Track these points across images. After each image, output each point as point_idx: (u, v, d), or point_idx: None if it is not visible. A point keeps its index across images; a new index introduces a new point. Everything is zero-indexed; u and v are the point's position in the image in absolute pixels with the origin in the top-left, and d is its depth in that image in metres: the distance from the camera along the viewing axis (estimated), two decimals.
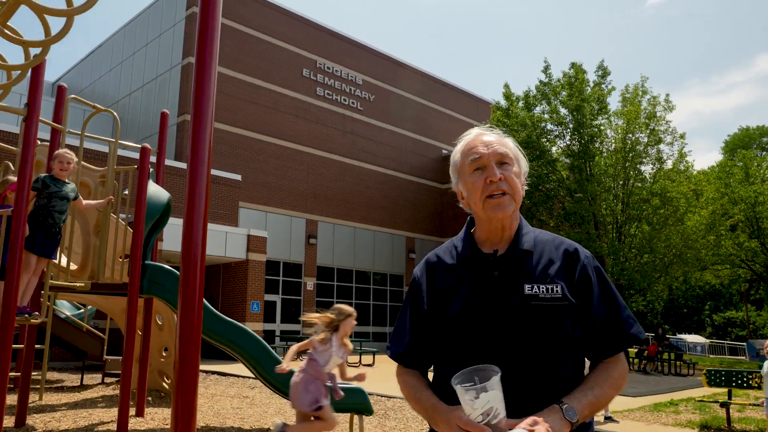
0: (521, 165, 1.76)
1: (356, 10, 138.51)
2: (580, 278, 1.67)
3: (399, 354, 1.79)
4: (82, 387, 10.50)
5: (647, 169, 27.31)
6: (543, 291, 1.61)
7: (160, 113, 7.18)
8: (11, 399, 7.55)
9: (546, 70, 28.48)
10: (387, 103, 32.11)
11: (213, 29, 2.86)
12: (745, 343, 31.48)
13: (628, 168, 26.12)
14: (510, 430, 1.41)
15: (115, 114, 6.40)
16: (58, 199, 5.33)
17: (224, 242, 19.57)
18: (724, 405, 9.19)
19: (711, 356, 34.15)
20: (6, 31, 2.94)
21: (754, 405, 9.78)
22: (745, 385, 9.30)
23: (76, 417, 6.76)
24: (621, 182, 26.48)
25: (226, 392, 10.64)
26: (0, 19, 3.10)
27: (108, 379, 10.90)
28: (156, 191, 6.78)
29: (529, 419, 1.44)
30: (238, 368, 16.08)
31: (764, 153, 53.62)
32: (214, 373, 14.33)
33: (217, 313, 6.49)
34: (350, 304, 24.31)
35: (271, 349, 6.40)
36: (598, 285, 1.69)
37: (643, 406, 10.87)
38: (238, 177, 22.27)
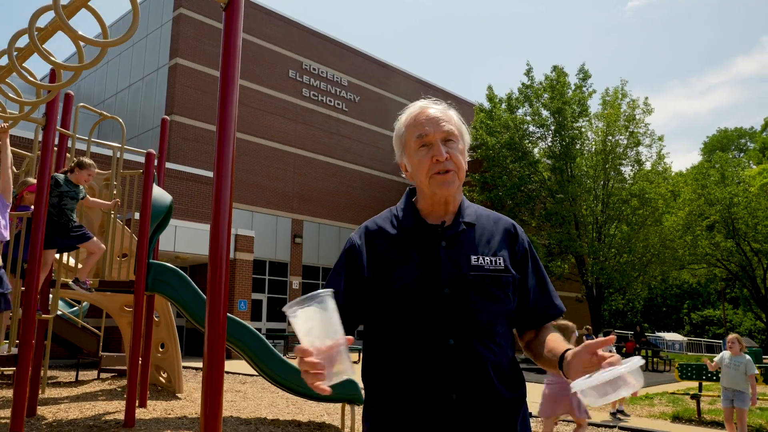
0: (465, 140, 1.77)
1: (343, 13, 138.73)
2: (519, 253, 1.76)
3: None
4: (78, 383, 10.75)
5: (627, 170, 28.00)
6: (488, 262, 1.67)
7: (161, 119, 7.49)
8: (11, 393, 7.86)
9: (528, 72, 29.03)
10: (372, 105, 32.49)
11: (235, 47, 3.21)
12: (721, 341, 32.28)
13: (608, 169, 26.74)
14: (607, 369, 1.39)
15: (121, 121, 6.72)
16: (69, 199, 5.67)
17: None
18: (695, 397, 9.69)
19: (689, 353, 34.91)
20: (43, 51, 3.27)
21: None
22: (714, 378, 9.79)
23: (81, 408, 7.06)
24: (601, 183, 27.10)
25: None
26: (39, 41, 3.44)
27: (103, 375, 11.15)
28: (160, 194, 7.11)
29: (616, 356, 1.42)
30: (228, 365, 16.36)
31: (742, 154, 54.78)
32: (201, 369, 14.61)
33: None
34: None
35: (270, 345, 6.74)
36: (531, 260, 1.78)
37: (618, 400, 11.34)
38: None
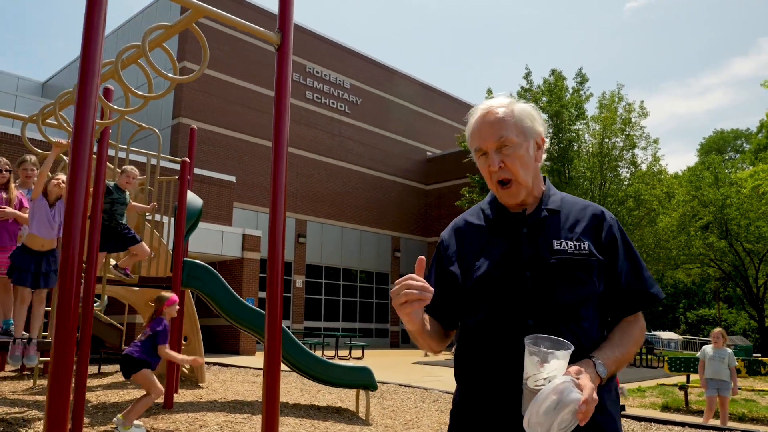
0: (528, 134, 1.74)
1: (346, 17, 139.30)
2: (606, 238, 1.73)
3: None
4: (101, 374, 11.38)
5: (623, 172, 28.66)
6: (571, 246, 1.67)
7: (189, 129, 8.13)
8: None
9: (527, 76, 29.68)
10: (374, 107, 33.13)
11: (286, 82, 3.84)
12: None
13: (605, 171, 27.39)
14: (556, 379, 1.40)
15: (158, 131, 7.34)
16: (120, 205, 6.32)
17: (220, 241, 20.44)
18: (683, 388, 10.36)
19: (684, 352, 35.61)
20: (127, 85, 3.91)
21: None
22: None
23: (118, 394, 7.71)
24: (598, 185, 27.75)
25: (235, 378, 11.58)
26: (116, 73, 4.09)
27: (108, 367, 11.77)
28: (192, 198, 7.76)
29: (575, 368, 1.46)
30: (238, 360, 17.01)
31: (738, 155, 55.45)
32: (215, 364, 15.24)
33: (245, 303, 7.49)
34: (337, 302, 25.75)
35: (292, 335, 7.40)
36: (622, 245, 1.75)
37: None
38: (232, 178, 23.13)
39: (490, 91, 30.37)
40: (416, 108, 35.99)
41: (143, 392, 5.61)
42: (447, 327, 1.84)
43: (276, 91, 3.82)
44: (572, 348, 1.44)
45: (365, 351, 21.67)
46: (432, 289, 1.50)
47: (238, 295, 7.50)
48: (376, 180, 32.86)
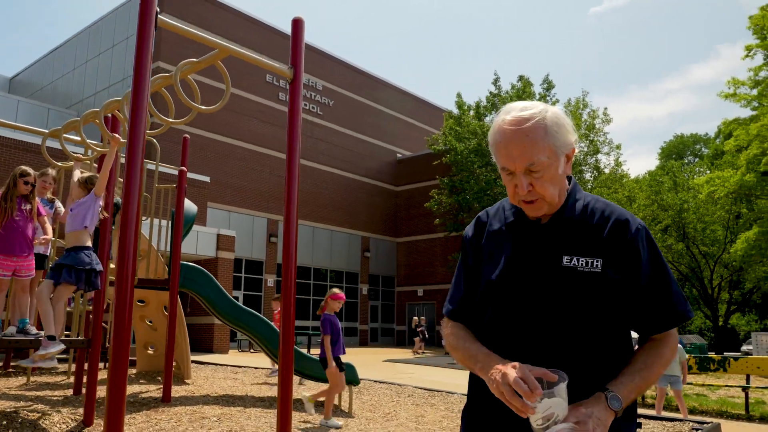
0: (560, 151, 1.60)
1: (319, 20, 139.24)
2: (627, 250, 1.59)
3: (452, 311, 1.77)
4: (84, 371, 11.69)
5: (587, 176, 29.73)
6: (582, 264, 1.57)
7: (182, 138, 8.54)
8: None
9: (496, 82, 30.51)
10: (346, 109, 33.63)
11: (298, 112, 4.37)
12: None
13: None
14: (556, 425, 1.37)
15: (156, 142, 7.74)
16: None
17: (195, 241, 20.72)
18: None
19: None
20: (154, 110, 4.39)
21: None
22: None
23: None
24: None
25: (216, 375, 12.01)
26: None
27: (106, 364, 12.06)
28: (188, 205, 8.20)
29: (575, 412, 1.40)
30: (213, 358, 17.38)
31: (697, 159, 57.36)
32: (192, 362, 15.60)
33: (234, 301, 7.96)
34: (308, 301, 26.31)
35: (278, 331, 7.91)
36: (648, 258, 1.61)
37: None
38: (207, 179, 23.39)
39: (459, 95, 31.12)
40: (387, 110, 36.61)
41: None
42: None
43: (289, 120, 4.35)
44: (566, 380, 1.38)
45: None
46: (536, 398, 1.37)
47: (231, 297, 7.98)
48: (347, 181, 33.37)
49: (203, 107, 4.31)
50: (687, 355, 9.64)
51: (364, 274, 34.16)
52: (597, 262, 1.57)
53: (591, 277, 1.56)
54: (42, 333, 5.84)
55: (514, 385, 1.39)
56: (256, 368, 13.96)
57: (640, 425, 7.95)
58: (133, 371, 10.94)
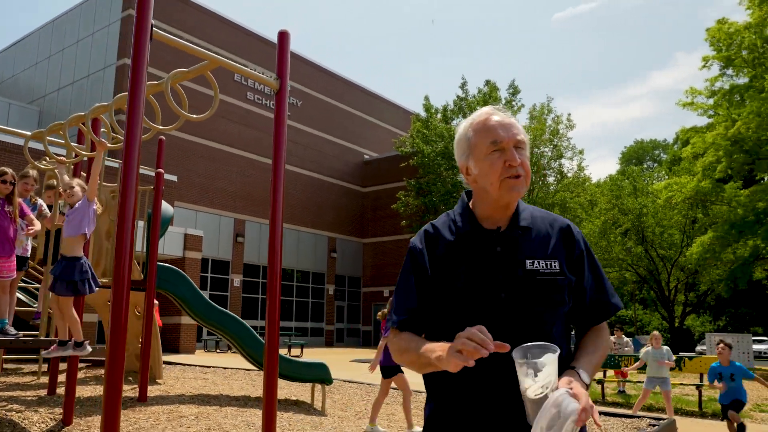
0: (528, 147, 1.78)
1: (287, 19, 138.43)
2: (575, 253, 1.77)
3: (402, 321, 1.77)
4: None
5: (551, 180, 30.41)
6: (543, 266, 1.70)
7: (158, 140, 8.60)
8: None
9: (463, 86, 30.97)
10: (314, 109, 33.71)
11: (283, 123, 4.55)
12: (631, 339, 35.28)
13: (534, 179, 28.98)
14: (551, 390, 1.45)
15: None
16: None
17: (163, 240, 20.57)
18: (600, 382, 11.56)
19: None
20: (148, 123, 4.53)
21: (627, 381, 12.32)
22: (622, 366, 11.67)
23: (86, 389, 8.14)
24: (527, 192, 29.32)
25: (186, 375, 12.05)
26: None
27: (79, 365, 11.98)
28: (165, 207, 8.27)
29: (565, 379, 1.51)
30: (179, 358, 17.34)
31: (656, 165, 58.92)
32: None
33: (209, 301, 8.08)
34: None
35: (254, 332, 8.05)
36: (588, 260, 1.80)
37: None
38: (174, 178, 23.23)
39: (427, 98, 31.47)
40: (355, 112, 36.80)
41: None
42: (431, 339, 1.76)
43: (275, 129, 4.52)
44: (558, 350, 1.47)
45: (304, 349, 22.29)
46: (492, 346, 1.43)
47: (207, 298, 8.08)
48: (314, 181, 33.44)
49: (193, 116, 4.44)
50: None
51: (331, 275, 34.27)
52: (554, 263, 1.71)
53: (552, 278, 1.69)
54: (20, 333, 5.91)
55: (470, 335, 1.43)
56: (225, 368, 14.01)
57: None
58: (103, 371, 10.93)
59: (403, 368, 7.01)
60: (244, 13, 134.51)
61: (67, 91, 28.32)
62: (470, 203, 1.82)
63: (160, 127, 4.94)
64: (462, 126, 1.81)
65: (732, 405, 7.52)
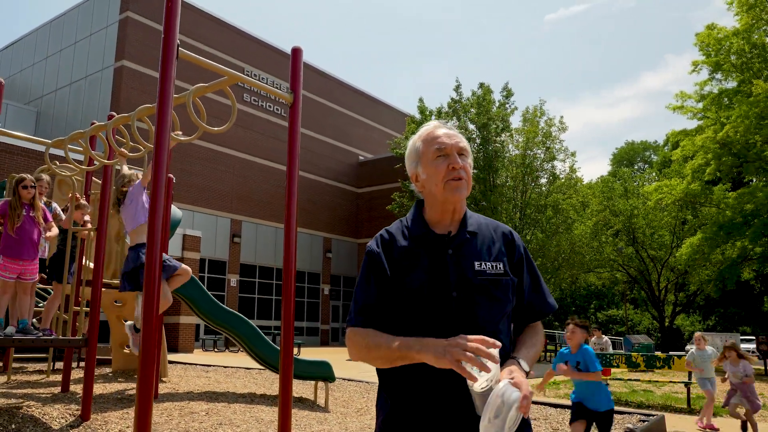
0: (471, 159, 1.96)
1: (281, 21, 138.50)
2: (516, 256, 1.95)
3: (362, 321, 1.84)
4: (56, 371, 11.85)
5: (543, 181, 30.77)
6: (490, 267, 1.85)
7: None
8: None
9: (457, 89, 31.24)
10: (309, 111, 33.96)
11: (296, 138, 4.85)
12: (622, 338, 35.66)
13: (527, 181, 29.34)
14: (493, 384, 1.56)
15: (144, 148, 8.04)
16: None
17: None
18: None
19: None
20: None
21: (618, 379, 12.64)
22: (614, 365, 12.02)
23: (102, 388, 8.40)
24: (520, 193, 29.69)
25: (189, 374, 12.31)
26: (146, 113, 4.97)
27: (84, 364, 12.23)
28: (174, 210, 8.54)
29: (506, 369, 1.66)
30: (179, 357, 17.57)
31: (647, 166, 59.44)
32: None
33: (217, 301, 8.36)
34: (270, 300, 26.65)
35: (261, 332, 8.33)
36: (527, 263, 1.97)
37: (531, 386, 13.50)
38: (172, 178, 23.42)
39: (421, 100, 31.73)
40: (350, 113, 37.09)
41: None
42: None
43: (289, 139, 4.83)
44: (500, 344, 1.61)
45: (301, 348, 22.56)
46: (497, 359, 1.58)
47: (214, 298, 8.37)
48: (310, 182, 33.71)
49: (214, 128, 4.74)
50: (636, 354, 10.38)
51: (326, 275, 34.56)
52: (500, 265, 1.86)
53: (498, 278, 1.84)
54: (41, 333, 6.18)
55: (475, 349, 1.56)
56: (225, 367, 14.28)
57: None
58: (108, 370, 11.19)
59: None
60: (238, 13, 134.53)
61: (64, 92, 28.47)
62: (423, 211, 1.97)
63: (182, 138, 5.22)
64: (411, 140, 2.00)
65: (578, 411, 5.51)
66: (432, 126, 1.98)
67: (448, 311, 1.77)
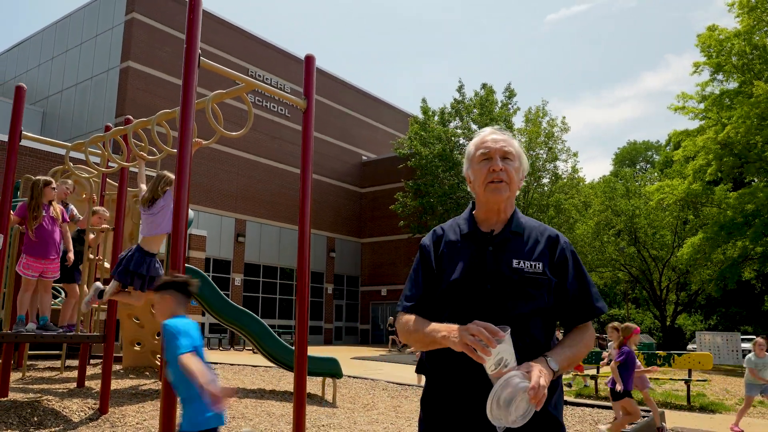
0: (522, 163, 2.09)
1: (284, 21, 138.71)
2: (558, 259, 2.01)
3: (410, 307, 2.04)
4: (69, 368, 12.08)
5: (545, 182, 30.97)
6: (528, 266, 1.94)
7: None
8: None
9: (460, 89, 31.47)
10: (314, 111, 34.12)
11: (310, 144, 5.06)
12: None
13: (530, 181, 29.52)
14: (509, 374, 1.63)
15: (155, 149, 8.28)
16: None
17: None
18: (593, 378, 12.09)
19: (597, 349, 38.43)
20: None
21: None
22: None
23: (116, 384, 8.62)
24: (522, 193, 29.89)
25: None
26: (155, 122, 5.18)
27: (93, 361, 12.48)
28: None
29: (524, 365, 1.72)
30: None
31: (649, 166, 59.52)
32: None
33: (228, 299, 8.58)
34: (274, 299, 27.00)
35: (271, 330, 8.54)
36: (572, 266, 2.03)
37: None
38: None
39: (424, 101, 31.93)
40: (353, 113, 37.31)
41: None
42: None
43: (302, 144, 5.04)
44: (509, 329, 1.70)
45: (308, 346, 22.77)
46: (495, 343, 1.69)
47: (225, 296, 8.58)
48: (314, 182, 33.67)
49: (231, 133, 4.95)
50: (638, 353, 10.56)
51: (330, 274, 34.78)
52: (539, 265, 1.96)
53: (535, 277, 1.94)
54: (61, 330, 6.41)
55: (477, 333, 1.70)
56: (231, 365, 14.50)
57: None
58: (119, 367, 11.42)
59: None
60: (239, 14, 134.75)
61: (70, 92, 28.72)
62: (474, 210, 2.14)
63: (204, 142, 5.44)
64: (470, 144, 2.18)
65: None
66: (485, 132, 2.14)
67: (482, 302, 1.91)
